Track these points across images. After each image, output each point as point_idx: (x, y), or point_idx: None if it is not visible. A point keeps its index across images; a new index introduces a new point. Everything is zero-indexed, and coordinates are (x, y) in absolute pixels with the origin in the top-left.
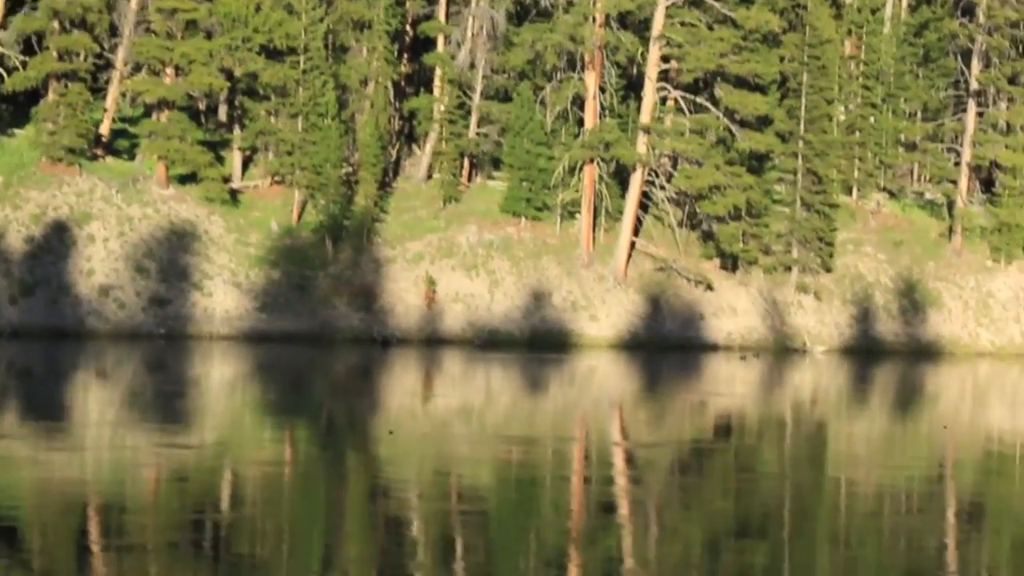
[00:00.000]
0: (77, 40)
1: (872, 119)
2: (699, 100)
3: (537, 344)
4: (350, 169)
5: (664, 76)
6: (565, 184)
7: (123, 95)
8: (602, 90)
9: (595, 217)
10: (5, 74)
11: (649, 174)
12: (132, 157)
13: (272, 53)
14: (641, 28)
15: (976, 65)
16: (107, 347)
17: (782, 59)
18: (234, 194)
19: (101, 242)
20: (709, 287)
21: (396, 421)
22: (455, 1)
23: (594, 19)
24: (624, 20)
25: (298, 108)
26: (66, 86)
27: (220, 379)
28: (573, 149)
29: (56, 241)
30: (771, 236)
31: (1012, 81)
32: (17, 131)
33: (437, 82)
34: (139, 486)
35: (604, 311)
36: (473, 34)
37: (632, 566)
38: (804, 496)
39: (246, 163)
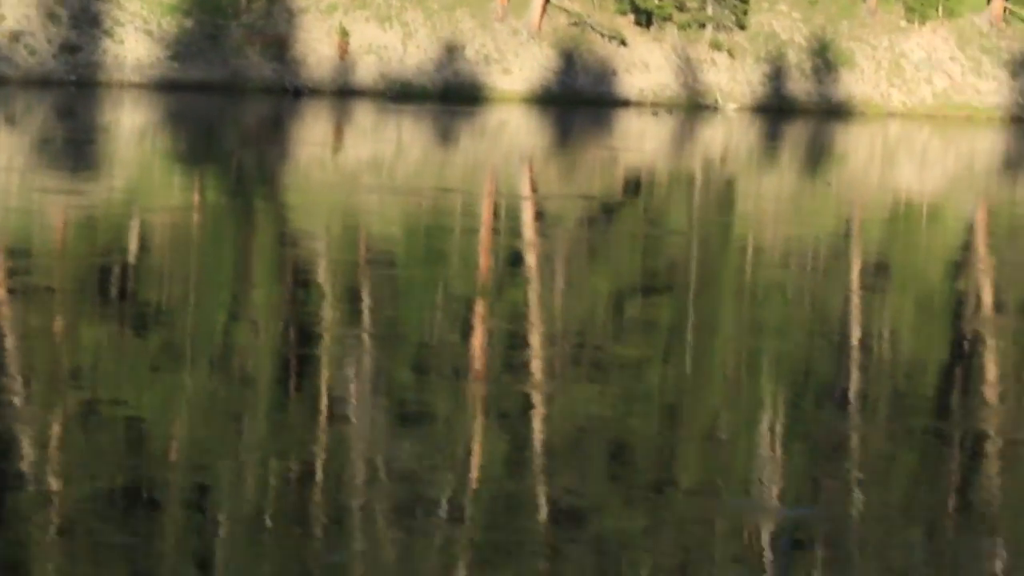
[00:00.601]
0: None
1: None
2: None
3: (449, 97)
4: None
5: None
6: None
7: None
8: None
9: None
10: None
11: None
12: None
13: None
14: None
15: None
16: (17, 94)
17: None
18: None
19: None
20: (623, 43)
21: (305, 171)
22: None
23: None
24: None
25: None
26: None
27: (130, 127)
28: None
29: None
30: None
31: None
32: None
33: None
34: (46, 231)
35: (517, 65)
36: None
37: (538, 318)
38: (710, 253)
39: None
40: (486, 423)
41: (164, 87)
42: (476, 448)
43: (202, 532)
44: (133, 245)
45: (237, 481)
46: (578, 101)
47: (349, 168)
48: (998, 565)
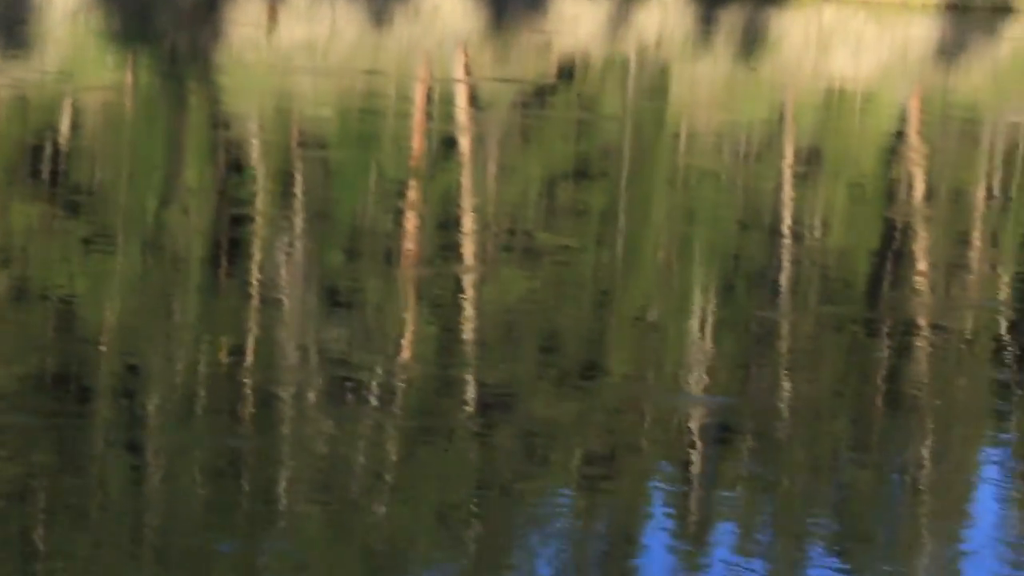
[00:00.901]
0: None
1: None
2: None
3: None
4: None
5: None
6: None
7: None
8: None
9: None
10: None
11: None
12: None
13: None
14: None
15: None
16: None
17: None
18: None
19: None
20: None
21: (238, 52)
22: None
23: None
24: None
25: None
26: None
27: (62, 7)
28: None
29: None
30: None
31: None
32: None
33: None
34: None
35: None
36: None
37: (471, 202)
38: (643, 139)
39: None
40: (417, 307)
41: None
42: (406, 333)
43: (131, 415)
44: (65, 126)
45: (166, 364)
46: None
47: (283, 50)
48: (924, 452)
